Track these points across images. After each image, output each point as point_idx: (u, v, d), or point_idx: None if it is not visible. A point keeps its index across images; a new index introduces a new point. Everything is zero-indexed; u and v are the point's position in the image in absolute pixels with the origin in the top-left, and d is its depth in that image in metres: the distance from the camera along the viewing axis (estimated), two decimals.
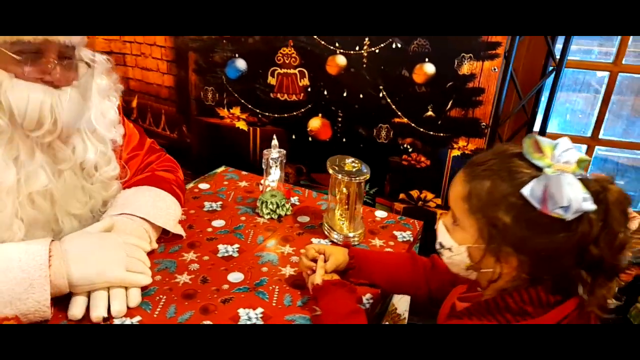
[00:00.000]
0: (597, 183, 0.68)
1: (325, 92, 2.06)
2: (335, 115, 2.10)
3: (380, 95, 2.00)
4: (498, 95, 1.93)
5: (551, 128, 1.98)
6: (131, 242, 1.01)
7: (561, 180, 0.65)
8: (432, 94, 1.96)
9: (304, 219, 1.33)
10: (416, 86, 1.95)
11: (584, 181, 0.67)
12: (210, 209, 1.35)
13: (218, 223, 1.28)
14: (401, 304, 1.31)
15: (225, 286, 1.04)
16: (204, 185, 1.48)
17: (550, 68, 1.86)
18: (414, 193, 2.15)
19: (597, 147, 2.43)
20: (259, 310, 0.97)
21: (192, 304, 0.97)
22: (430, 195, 2.15)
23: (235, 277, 1.07)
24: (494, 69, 1.84)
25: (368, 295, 1.04)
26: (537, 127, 2.04)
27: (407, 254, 1.08)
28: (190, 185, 1.47)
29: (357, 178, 1.15)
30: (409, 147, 2.06)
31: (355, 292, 0.98)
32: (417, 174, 2.09)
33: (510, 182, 0.70)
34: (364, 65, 1.96)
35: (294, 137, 2.18)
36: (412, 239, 1.26)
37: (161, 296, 0.99)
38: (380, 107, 2.03)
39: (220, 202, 1.38)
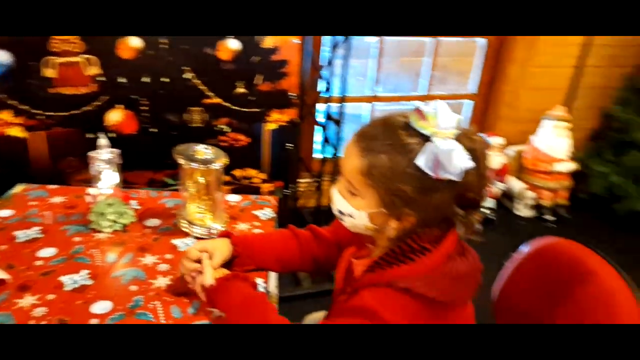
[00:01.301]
0: (468, 139, 0.77)
1: (122, 80, 1.82)
2: (137, 104, 1.88)
3: (187, 76, 1.87)
4: (301, 66, 2.02)
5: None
6: None
7: (447, 148, 0.73)
8: (239, 70, 1.92)
9: (154, 222, 1.18)
10: (222, 63, 1.89)
11: (460, 140, 0.76)
12: (28, 238, 1.08)
13: (47, 252, 1.03)
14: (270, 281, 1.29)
15: (94, 320, 0.86)
16: (4, 213, 1.16)
17: (343, 38, 2.01)
18: (237, 173, 2.12)
19: (375, 103, 2.78)
20: None
21: None
22: (253, 172, 2.15)
23: (101, 307, 0.89)
24: (296, 41, 1.91)
25: (259, 280, 0.99)
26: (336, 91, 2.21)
27: (288, 231, 1.07)
28: None
29: (216, 165, 1.07)
30: (225, 127, 2.00)
31: (250, 280, 0.92)
32: (237, 153, 2.06)
33: (405, 156, 0.75)
34: (164, 46, 1.80)
35: (92, 135, 1.88)
36: (274, 215, 1.25)
37: None
38: (189, 89, 1.90)
39: (38, 228, 1.11)
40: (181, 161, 1.08)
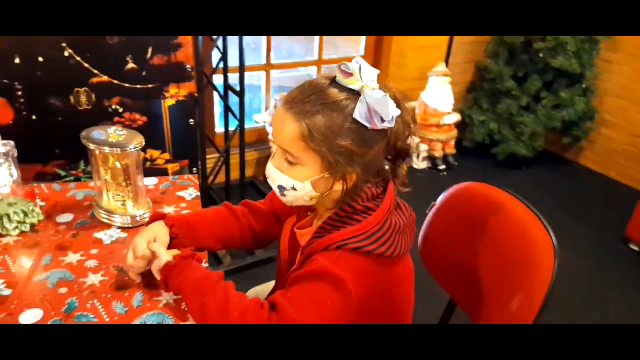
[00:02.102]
0: (387, 89, 0.81)
1: None
2: (11, 89, 1.65)
3: (66, 54, 1.68)
4: (194, 37, 1.92)
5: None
6: None
7: (377, 98, 0.76)
8: (127, 44, 1.77)
9: (67, 217, 1.07)
10: (106, 37, 1.72)
11: (383, 91, 0.79)
12: None
13: None
14: None
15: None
16: None
17: None
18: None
19: (272, 71, 2.75)
20: None
21: None
22: (156, 153, 2.02)
23: (31, 315, 0.80)
24: None
25: (203, 261, 0.96)
26: (233, 62, 2.14)
27: (223, 208, 1.03)
28: None
29: (134, 147, 0.99)
30: (118, 107, 1.85)
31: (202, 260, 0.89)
32: None
33: (340, 112, 0.76)
34: None
35: None
36: (199, 193, 1.20)
37: None
38: (71, 69, 1.71)
39: None
40: (92, 147, 0.99)
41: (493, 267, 1.06)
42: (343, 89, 0.77)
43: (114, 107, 1.84)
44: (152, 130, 1.97)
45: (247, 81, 2.16)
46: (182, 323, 0.82)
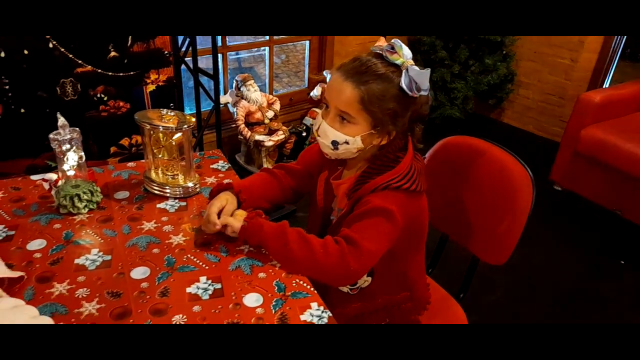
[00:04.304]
0: (422, 66, 1.03)
1: None
2: None
3: (50, 45, 1.70)
4: None
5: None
6: (11, 306, 0.73)
7: (418, 71, 0.97)
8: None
9: (124, 194, 1.19)
10: None
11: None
12: (1, 237, 1.00)
13: (37, 244, 0.99)
14: None
15: (144, 284, 0.91)
16: None
17: None
18: (125, 142, 2.05)
19: (228, 53, 2.85)
20: (203, 278, 0.93)
21: (140, 317, 0.84)
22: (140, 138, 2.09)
23: (139, 272, 0.94)
24: None
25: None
26: (207, 43, 2.23)
27: (265, 173, 1.21)
28: None
29: (189, 125, 1.13)
30: (103, 95, 1.90)
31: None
32: (121, 121, 1.98)
33: (389, 82, 0.98)
34: None
35: None
36: (229, 165, 1.36)
37: None
38: (55, 60, 1.74)
39: (2, 226, 1.04)
40: (148, 127, 1.11)
41: (480, 201, 1.33)
42: (388, 64, 0.98)
43: (98, 95, 1.89)
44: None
45: (203, 64, 2.26)
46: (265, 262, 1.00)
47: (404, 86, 0.97)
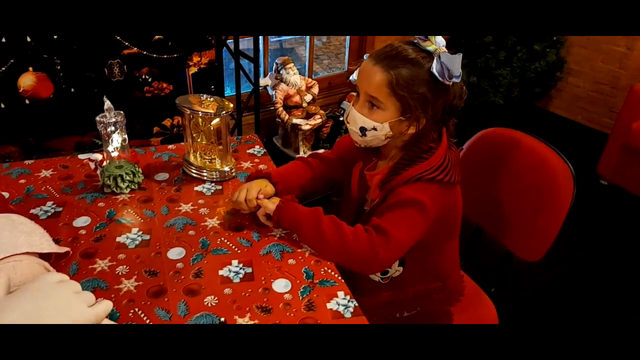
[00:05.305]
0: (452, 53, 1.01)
1: (28, 39, 1.66)
2: (51, 64, 1.74)
3: None
4: None
5: None
6: (57, 280, 0.78)
7: (449, 58, 0.95)
8: None
9: (164, 175, 1.23)
10: None
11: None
12: (50, 214, 1.07)
13: (82, 222, 1.05)
14: None
15: (180, 265, 0.95)
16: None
17: None
18: (167, 122, 2.11)
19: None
20: (235, 261, 0.97)
21: (174, 296, 0.88)
22: None
23: (175, 252, 0.98)
24: None
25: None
26: None
27: (300, 162, 1.22)
28: None
29: (227, 111, 1.15)
30: (147, 77, 1.96)
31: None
32: (164, 102, 2.04)
33: (420, 67, 0.97)
34: None
35: (2, 105, 1.71)
36: (265, 150, 1.38)
37: (135, 310, 0.84)
38: (104, 42, 1.79)
39: (51, 203, 1.10)
40: (188, 112, 1.14)
41: (517, 195, 1.30)
42: (420, 50, 0.97)
43: (143, 76, 1.95)
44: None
45: (244, 46, 2.28)
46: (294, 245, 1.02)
47: (435, 72, 0.95)
